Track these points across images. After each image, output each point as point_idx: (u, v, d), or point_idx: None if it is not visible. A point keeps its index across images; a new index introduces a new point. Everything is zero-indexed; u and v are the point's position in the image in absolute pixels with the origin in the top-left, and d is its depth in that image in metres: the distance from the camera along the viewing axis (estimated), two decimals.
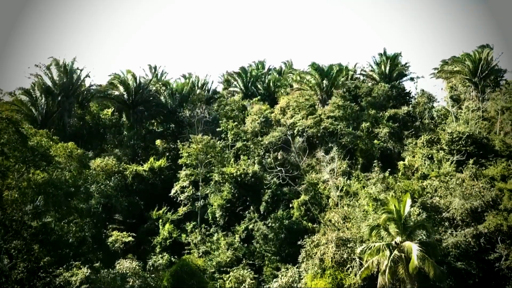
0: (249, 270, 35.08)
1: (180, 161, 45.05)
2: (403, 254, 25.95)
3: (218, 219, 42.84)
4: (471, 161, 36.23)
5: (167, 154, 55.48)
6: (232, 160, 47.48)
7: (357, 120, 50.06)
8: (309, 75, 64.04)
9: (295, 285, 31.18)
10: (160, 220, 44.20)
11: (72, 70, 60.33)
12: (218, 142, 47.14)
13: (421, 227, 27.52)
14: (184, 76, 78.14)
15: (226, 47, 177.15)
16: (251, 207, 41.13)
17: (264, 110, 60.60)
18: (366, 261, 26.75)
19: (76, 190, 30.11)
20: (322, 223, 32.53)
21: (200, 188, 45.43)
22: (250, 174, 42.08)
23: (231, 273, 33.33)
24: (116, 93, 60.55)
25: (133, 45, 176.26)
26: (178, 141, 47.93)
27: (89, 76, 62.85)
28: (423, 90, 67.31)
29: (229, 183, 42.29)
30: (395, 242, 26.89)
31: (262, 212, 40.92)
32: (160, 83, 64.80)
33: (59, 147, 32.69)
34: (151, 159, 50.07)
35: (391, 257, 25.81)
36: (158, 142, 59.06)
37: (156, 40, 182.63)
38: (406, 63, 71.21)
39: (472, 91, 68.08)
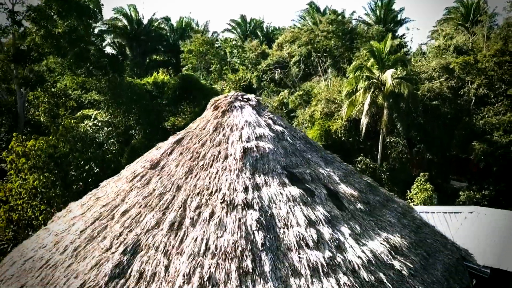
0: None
1: (181, 56, 46.98)
2: (383, 87, 28.56)
3: None
4: (451, 48, 38.65)
5: None
6: (230, 73, 49.73)
7: (350, 34, 52.31)
8: (306, 13, 66.23)
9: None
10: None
11: None
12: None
13: (399, 61, 30.09)
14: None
15: (222, 14, 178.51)
16: None
17: (262, 47, 62.78)
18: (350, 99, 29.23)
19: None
20: (313, 98, 35.08)
21: None
22: (248, 79, 44.47)
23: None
24: (119, 24, 62.57)
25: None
26: (180, 41, 49.96)
27: None
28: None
29: (228, 86, 44.70)
30: (375, 77, 29.48)
31: None
32: (161, 19, 66.79)
33: None
34: (155, 73, 52.06)
35: (371, 85, 28.45)
36: (160, 74, 61.10)
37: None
38: (401, 8, 73.51)
39: (464, 35, 70.63)
